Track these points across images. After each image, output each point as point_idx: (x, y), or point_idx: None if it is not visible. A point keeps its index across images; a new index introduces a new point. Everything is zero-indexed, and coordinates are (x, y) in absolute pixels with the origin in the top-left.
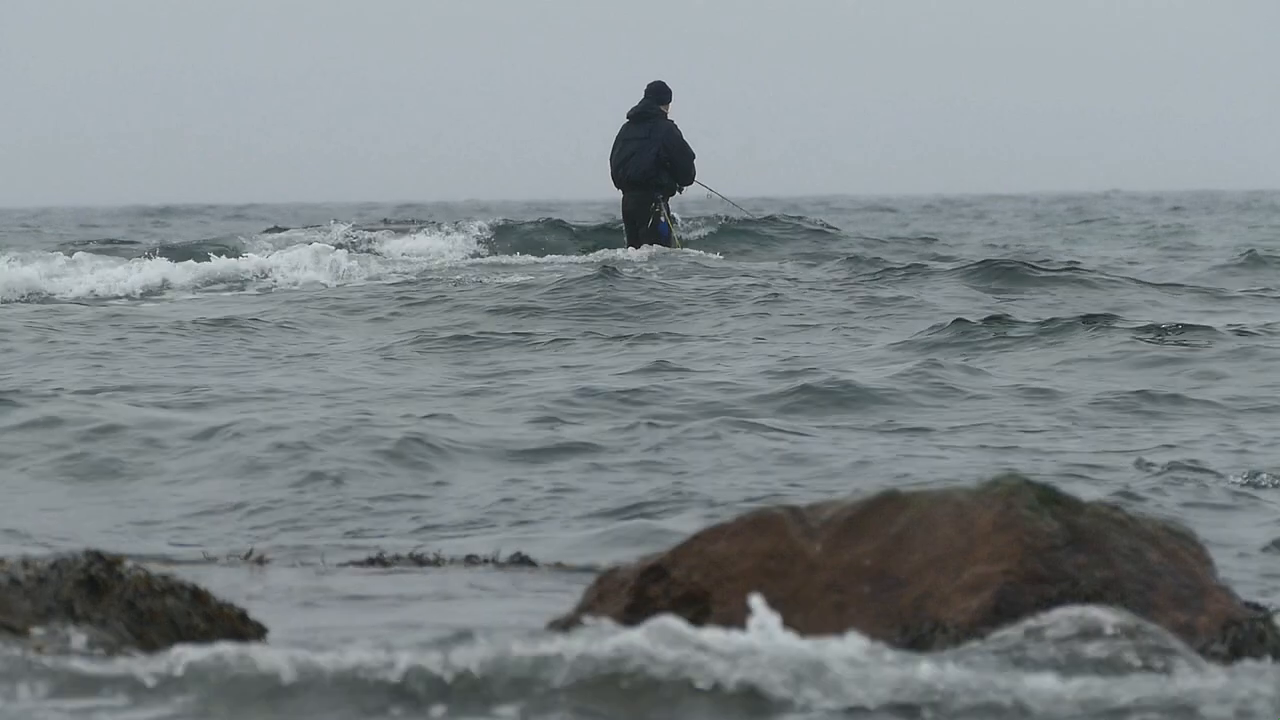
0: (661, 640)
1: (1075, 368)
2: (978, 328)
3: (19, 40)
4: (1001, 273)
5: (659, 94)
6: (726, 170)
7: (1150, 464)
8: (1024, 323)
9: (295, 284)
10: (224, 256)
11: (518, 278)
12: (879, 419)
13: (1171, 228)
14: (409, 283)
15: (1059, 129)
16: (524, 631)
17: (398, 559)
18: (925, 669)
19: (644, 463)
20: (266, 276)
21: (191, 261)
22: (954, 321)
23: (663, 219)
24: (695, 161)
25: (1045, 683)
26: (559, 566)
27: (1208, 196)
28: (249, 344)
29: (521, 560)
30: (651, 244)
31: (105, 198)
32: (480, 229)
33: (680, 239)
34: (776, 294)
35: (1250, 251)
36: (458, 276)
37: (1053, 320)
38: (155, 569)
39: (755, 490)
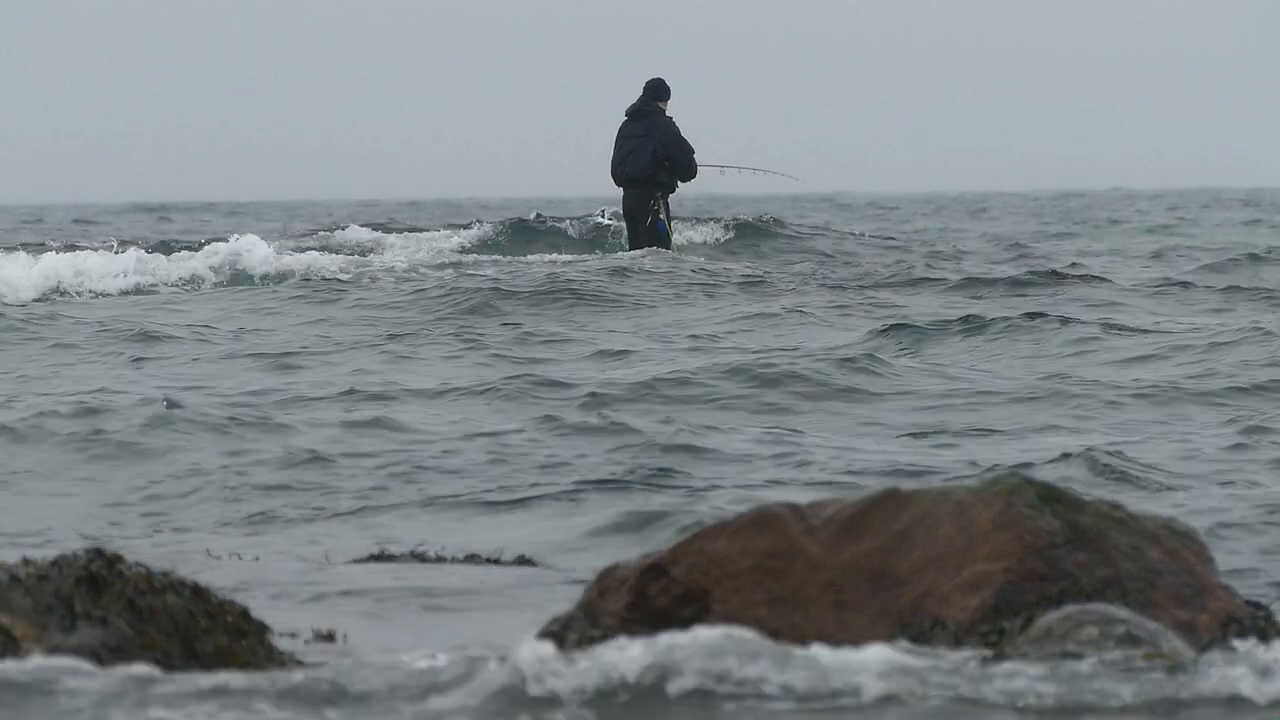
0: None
1: (1037, 364)
2: (952, 325)
3: (19, 40)
4: (986, 277)
5: (657, 91)
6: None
7: (1102, 456)
8: (996, 320)
9: (284, 280)
10: (213, 254)
11: (510, 273)
12: (838, 412)
13: (1171, 225)
14: (405, 278)
15: (1061, 128)
16: (524, 630)
17: (399, 556)
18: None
19: (626, 454)
20: (257, 273)
21: (180, 255)
22: (923, 321)
23: (661, 217)
24: (696, 155)
25: (1045, 680)
26: (560, 565)
27: (1208, 194)
28: (240, 338)
29: (522, 560)
30: (650, 242)
31: (105, 195)
32: (479, 226)
33: (674, 238)
34: (761, 290)
35: (1249, 252)
36: (450, 272)
37: (1023, 317)
38: (156, 566)
39: (730, 479)
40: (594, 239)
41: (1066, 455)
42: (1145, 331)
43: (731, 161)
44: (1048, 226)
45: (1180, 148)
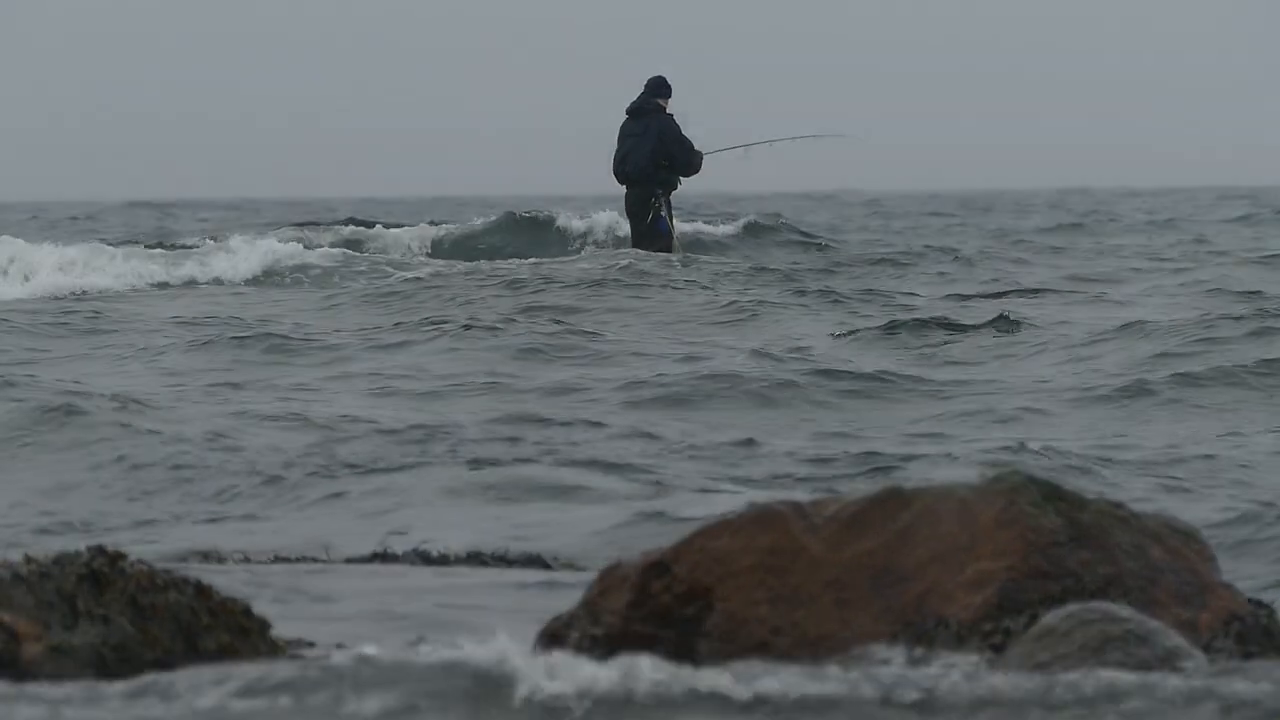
0: None
1: (1036, 361)
2: (951, 323)
3: (19, 39)
4: (986, 275)
5: (657, 89)
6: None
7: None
8: (994, 318)
9: (282, 274)
10: (212, 250)
11: (507, 268)
12: (837, 409)
13: (1174, 220)
14: (402, 272)
15: (1063, 126)
16: (525, 628)
17: (401, 555)
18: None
19: (622, 451)
20: (255, 268)
21: (178, 251)
22: (922, 319)
23: (662, 215)
24: (697, 150)
25: (1047, 679)
26: (562, 563)
27: (1213, 191)
28: (237, 332)
29: (524, 558)
30: (651, 240)
31: (105, 192)
32: (478, 221)
33: (677, 239)
34: (760, 288)
35: (1252, 248)
36: (448, 266)
37: (1021, 315)
38: (157, 563)
39: (729, 476)
40: (593, 236)
41: (1066, 453)
42: (1143, 328)
43: (729, 144)
44: (1050, 224)
45: (1182, 147)
